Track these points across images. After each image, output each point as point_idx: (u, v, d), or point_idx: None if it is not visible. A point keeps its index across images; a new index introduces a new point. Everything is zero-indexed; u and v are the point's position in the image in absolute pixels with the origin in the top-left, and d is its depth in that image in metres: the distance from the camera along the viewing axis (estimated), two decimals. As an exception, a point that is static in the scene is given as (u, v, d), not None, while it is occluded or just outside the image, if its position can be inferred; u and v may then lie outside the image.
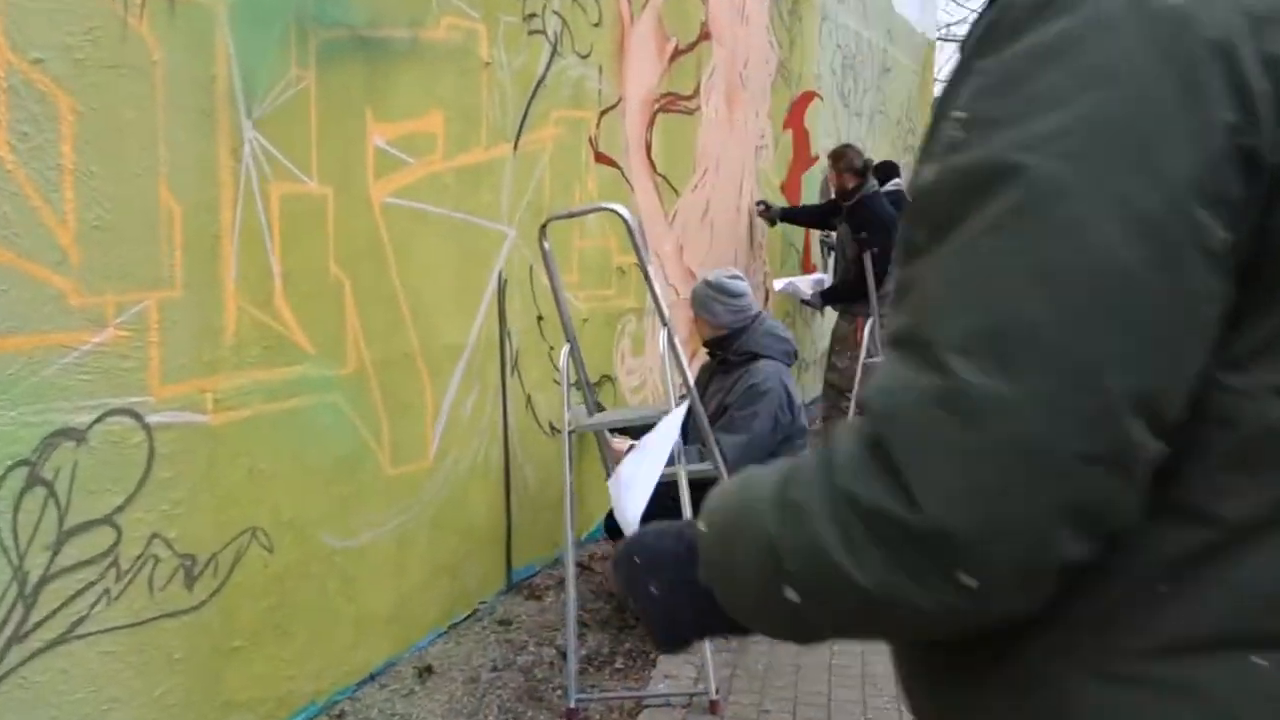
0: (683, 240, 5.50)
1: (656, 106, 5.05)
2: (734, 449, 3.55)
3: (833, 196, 6.35)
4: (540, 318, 4.14)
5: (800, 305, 6.68)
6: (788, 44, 7.03)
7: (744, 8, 6.14)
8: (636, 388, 5.10)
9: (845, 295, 6.11)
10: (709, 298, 3.91)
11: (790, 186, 7.26)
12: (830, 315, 6.57)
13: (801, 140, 7.45)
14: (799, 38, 7.25)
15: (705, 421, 3.39)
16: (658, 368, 5.07)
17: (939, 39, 18.88)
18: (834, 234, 6.51)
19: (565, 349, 3.48)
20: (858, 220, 5.98)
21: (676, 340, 3.33)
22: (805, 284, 6.31)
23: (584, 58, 4.36)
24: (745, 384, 3.70)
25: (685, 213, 5.51)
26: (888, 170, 7.29)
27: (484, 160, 3.73)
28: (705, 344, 4.03)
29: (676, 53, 5.23)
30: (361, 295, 3.16)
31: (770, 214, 6.51)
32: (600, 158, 4.54)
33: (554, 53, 4.13)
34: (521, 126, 3.95)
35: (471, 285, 3.72)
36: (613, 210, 3.27)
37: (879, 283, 5.89)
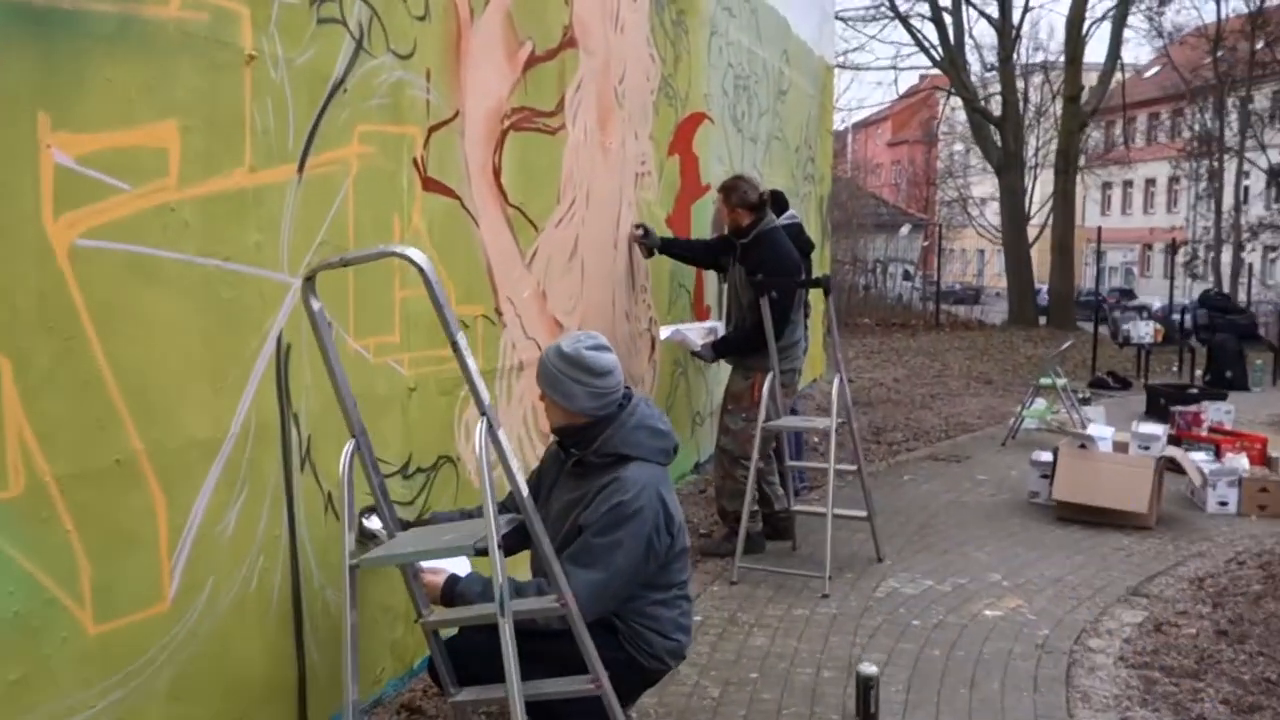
0: (546, 284, 4.59)
1: (507, 123, 4.15)
2: (587, 588, 2.62)
3: (724, 232, 5.53)
4: (343, 392, 3.18)
5: (690, 356, 5.81)
6: (672, 59, 6.21)
7: (617, 12, 5.30)
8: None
9: (740, 346, 5.28)
10: (561, 374, 2.85)
11: (678, 219, 6.43)
12: (725, 367, 5.72)
13: (690, 167, 6.63)
14: (685, 53, 6.45)
15: (547, 546, 2.47)
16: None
17: (837, 66, 18.47)
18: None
19: (349, 446, 2.52)
20: (754, 259, 5.16)
21: (504, 439, 2.39)
22: (695, 332, 5.46)
23: (404, 58, 3.43)
24: (608, 500, 2.73)
25: (548, 251, 4.61)
26: (777, 202, 6.54)
27: (249, 187, 2.76)
28: (555, 432, 3.01)
29: (533, 60, 4.34)
30: (32, 382, 2.17)
31: (648, 241, 5.65)
32: (431, 184, 3.62)
33: (358, 49, 3.19)
34: (310, 143, 2.99)
35: (232, 355, 2.74)
36: (403, 256, 2.35)
37: (780, 331, 5.07)
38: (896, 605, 4.58)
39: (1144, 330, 11.97)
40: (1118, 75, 20.66)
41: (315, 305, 2.44)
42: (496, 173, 4.10)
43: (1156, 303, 33.20)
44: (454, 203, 3.78)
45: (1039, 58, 30.39)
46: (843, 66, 23.92)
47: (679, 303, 6.57)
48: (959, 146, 43.14)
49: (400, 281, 3.46)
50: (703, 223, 6.75)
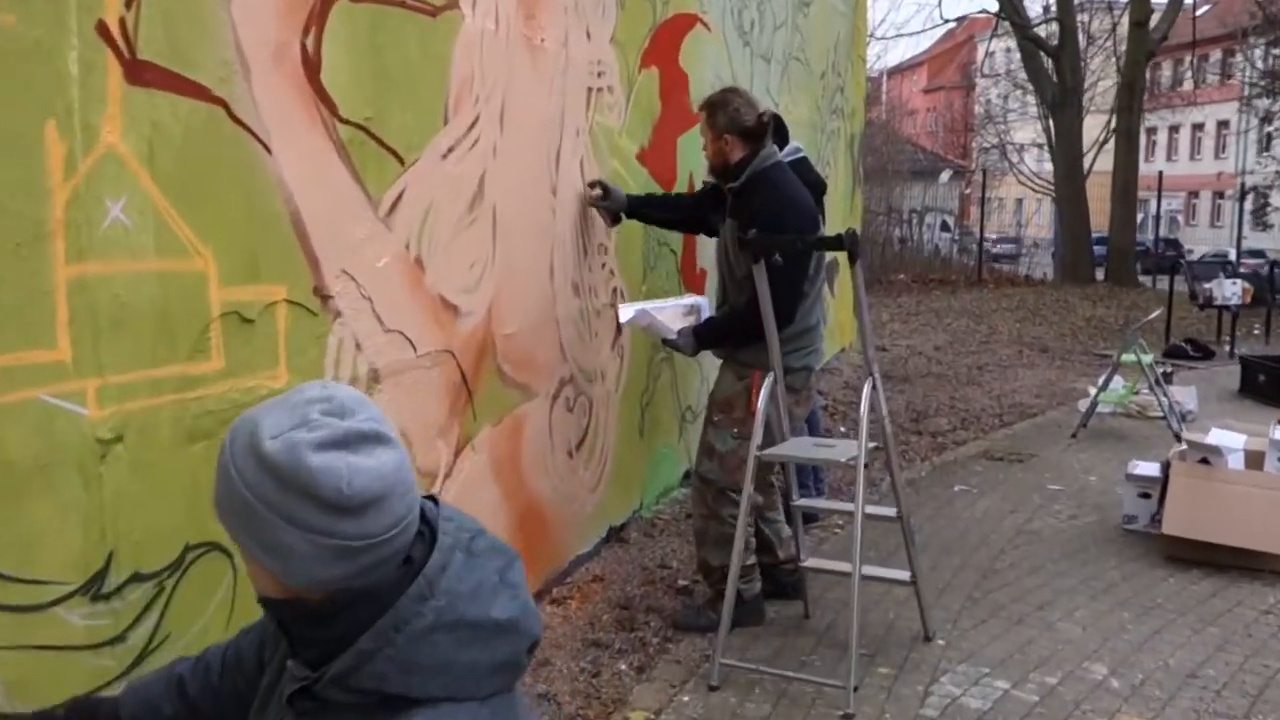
0: (423, 246, 3.03)
1: (332, -14, 2.57)
2: None
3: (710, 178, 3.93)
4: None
5: (662, 345, 4.21)
6: (646, -65, 4.57)
7: None
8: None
9: (732, 334, 3.69)
10: (258, 501, 1.13)
11: (656, 156, 4.81)
12: (712, 362, 4.13)
13: (675, 86, 5.00)
14: (666, -70, 4.81)
15: None
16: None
17: (869, -10, 16.54)
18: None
19: None
20: (750, 210, 3.56)
21: None
22: (669, 313, 3.85)
23: None
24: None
25: (427, 195, 3.03)
26: (776, 130, 4.91)
27: None
28: (266, 610, 1.31)
29: (386, -110, 2.74)
30: None
31: (610, 204, 4.06)
32: (145, 73, 2.05)
33: None
34: None
35: None
36: None
37: (786, 312, 3.48)
38: (956, 728, 3.04)
39: (1230, 290, 10.21)
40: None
41: None
42: (310, 63, 2.52)
43: (1197, 253, 30.93)
44: (208, 109, 2.21)
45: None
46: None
47: (660, 268, 4.97)
48: (996, 91, 40.88)
49: (74, 247, 1.91)
50: (693, 162, 5.12)
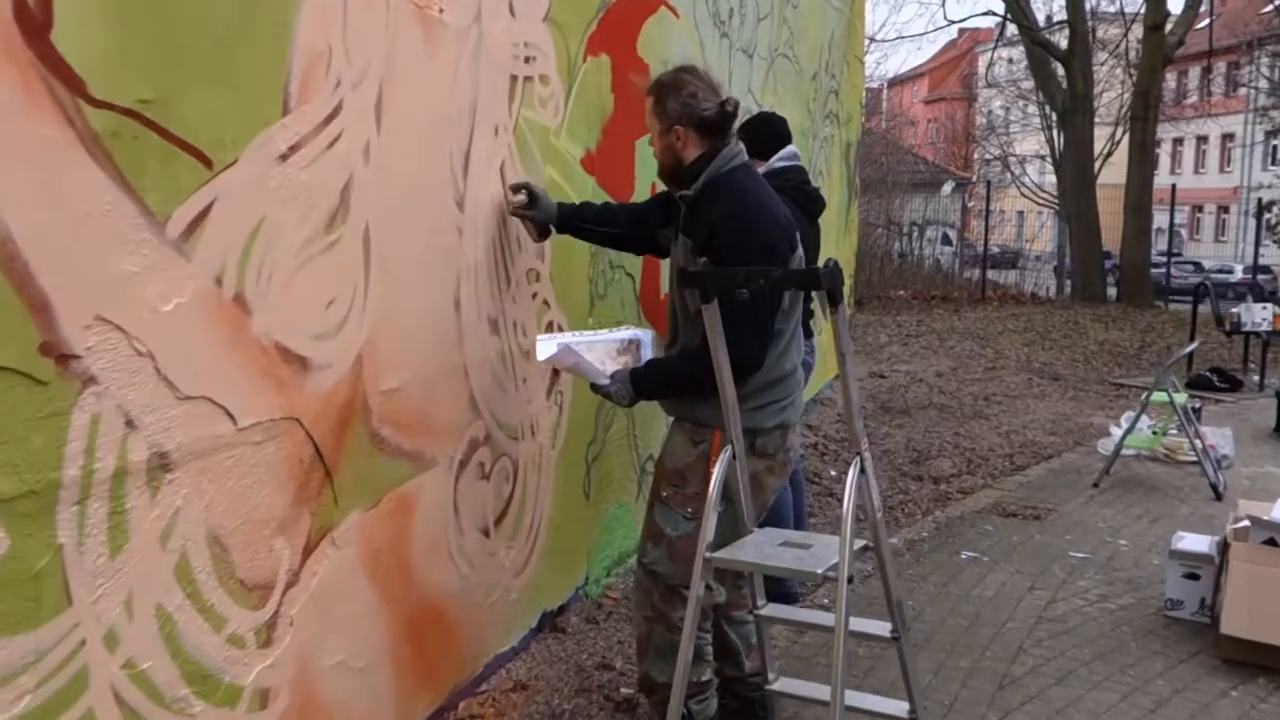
0: (247, 279, 2.21)
1: (67, -95, 1.76)
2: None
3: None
4: None
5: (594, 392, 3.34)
6: (594, -106, 3.77)
7: None
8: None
9: (682, 380, 2.86)
10: None
11: (607, 163, 4.01)
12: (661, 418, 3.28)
13: (632, 78, 4.19)
14: (622, -108, 4.01)
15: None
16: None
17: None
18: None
19: None
20: (704, 226, 2.74)
21: None
22: (602, 349, 3.00)
23: None
24: None
25: (254, 209, 2.22)
26: (770, 131, 4.14)
27: None
28: None
29: None
30: None
31: (537, 213, 3.24)
32: None
33: None
34: None
35: None
36: None
37: (747, 358, 2.65)
38: None
39: (1260, 315, 9.38)
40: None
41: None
42: (30, 18, 1.70)
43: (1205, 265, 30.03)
44: None
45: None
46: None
47: (612, 296, 4.16)
48: (999, 102, 40.19)
49: None
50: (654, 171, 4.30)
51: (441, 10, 2.86)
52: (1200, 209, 42.76)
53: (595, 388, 2.88)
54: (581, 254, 3.86)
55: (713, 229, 2.66)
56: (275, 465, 2.34)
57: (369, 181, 2.59)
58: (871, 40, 23.72)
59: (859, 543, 2.51)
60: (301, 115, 2.34)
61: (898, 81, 49.84)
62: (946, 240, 24.60)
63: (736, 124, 2.84)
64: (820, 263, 4.22)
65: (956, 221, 26.10)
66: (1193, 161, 44.19)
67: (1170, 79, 35.75)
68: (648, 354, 2.99)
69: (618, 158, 4.12)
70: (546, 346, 2.89)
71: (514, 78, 3.29)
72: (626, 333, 3.03)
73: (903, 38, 69.11)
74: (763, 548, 2.55)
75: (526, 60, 3.36)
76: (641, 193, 4.27)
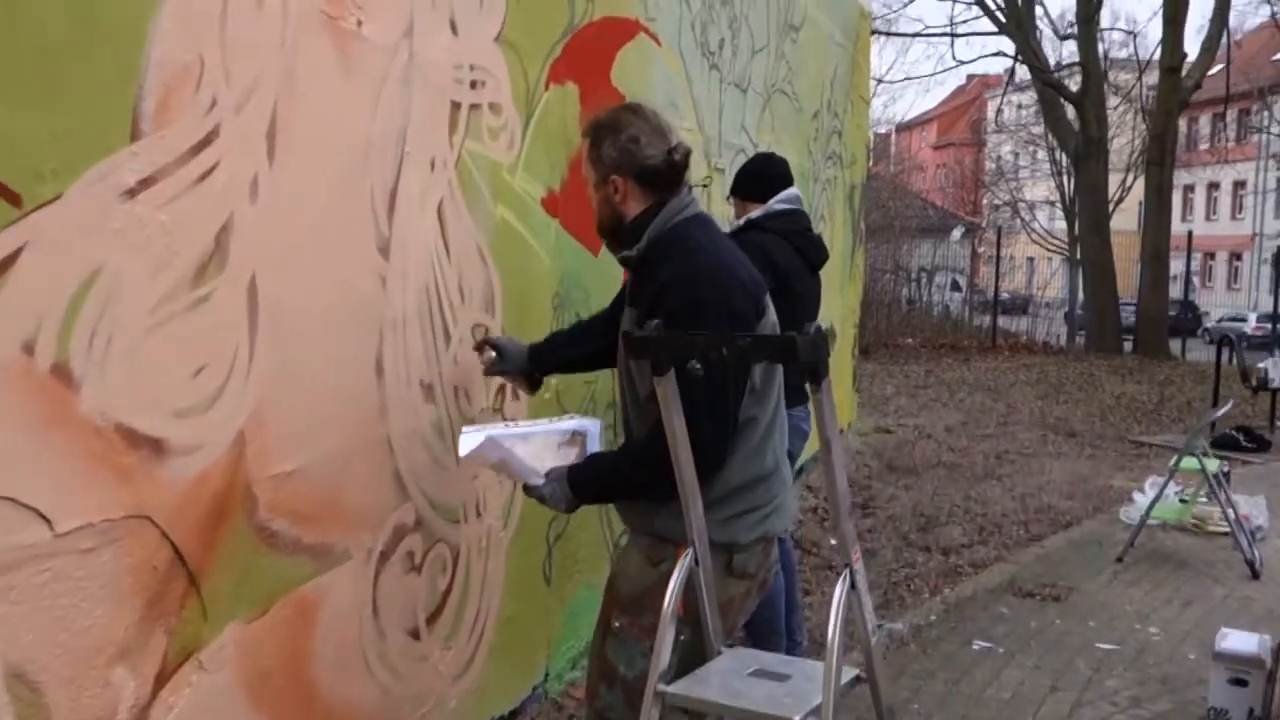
0: (73, 345, 1.75)
1: None
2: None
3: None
4: None
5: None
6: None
7: None
8: None
9: (624, 481, 2.37)
10: None
11: (575, 204, 3.55)
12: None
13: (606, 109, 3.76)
14: (595, -95, 3.60)
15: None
16: None
17: (881, 33, 15.51)
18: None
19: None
20: (649, 292, 2.27)
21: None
22: (540, 442, 2.49)
23: None
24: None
25: (84, 256, 1.77)
26: (769, 174, 3.73)
27: None
28: None
29: None
30: None
31: (506, 364, 2.76)
32: None
33: None
34: None
35: None
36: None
37: (711, 451, 2.17)
38: None
39: (1288, 370, 8.89)
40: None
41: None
42: None
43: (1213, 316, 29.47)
44: None
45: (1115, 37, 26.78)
46: (889, 34, 20.77)
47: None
48: (1008, 148, 40.02)
49: None
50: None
51: (360, 22, 2.43)
52: (1212, 256, 42.36)
53: (528, 489, 2.39)
54: (542, 304, 3.41)
55: (659, 292, 2.20)
56: (114, 576, 1.86)
57: (256, 222, 2.14)
58: (879, 82, 23.47)
59: (849, 673, 2.02)
60: (159, 142, 1.90)
61: (906, 126, 49.76)
62: (956, 286, 24.17)
63: (692, 175, 2.39)
64: (820, 320, 3.75)
65: (966, 267, 25.71)
66: (1204, 208, 43.85)
67: (1181, 124, 35.57)
68: (594, 446, 2.51)
69: (586, 199, 3.67)
70: (470, 440, 2.40)
71: (455, 104, 2.85)
72: (571, 423, 2.55)
73: (910, 79, 69.06)
74: (730, 680, 2.06)
75: (472, 85, 2.92)
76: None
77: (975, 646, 4.20)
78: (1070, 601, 4.81)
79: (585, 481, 2.32)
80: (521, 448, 2.39)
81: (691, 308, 2.14)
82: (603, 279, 3.59)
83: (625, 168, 2.30)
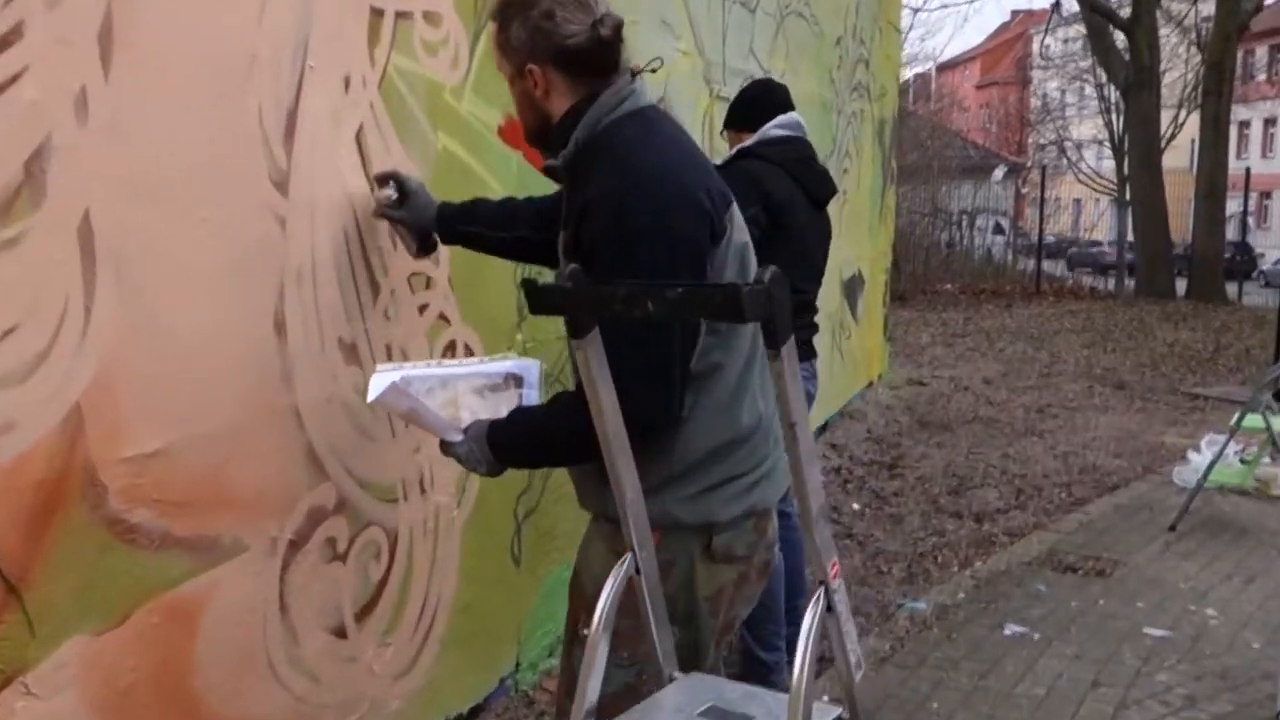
0: None
1: None
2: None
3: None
4: None
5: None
6: None
7: None
8: None
9: (556, 443, 1.90)
10: None
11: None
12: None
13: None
14: None
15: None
16: None
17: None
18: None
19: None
20: (574, 211, 1.81)
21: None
22: (461, 388, 2.02)
23: None
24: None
25: None
26: (768, 99, 3.27)
27: None
28: None
29: None
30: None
31: (406, 212, 2.32)
32: None
33: None
34: None
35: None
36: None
37: (645, 406, 1.72)
38: None
39: (1356, 315, 8.22)
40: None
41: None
42: None
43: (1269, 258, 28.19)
44: None
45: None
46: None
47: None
48: (1054, 84, 38.61)
49: None
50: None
51: (233, -99, 1.97)
52: (1268, 195, 40.81)
53: (444, 447, 1.96)
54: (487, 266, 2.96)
55: (581, 215, 1.75)
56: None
57: (88, 148, 1.71)
58: (915, 12, 22.48)
59: (829, 713, 1.59)
60: (-77, 37, 1.47)
61: (947, 65, 48.27)
62: (999, 229, 23.34)
63: (627, 54, 1.89)
64: (843, 264, 3.29)
65: (1009, 209, 24.82)
66: (1260, 145, 42.17)
67: (1238, 55, 34.00)
68: (533, 397, 2.05)
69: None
70: (380, 381, 1.96)
71: (377, 10, 2.39)
72: (506, 364, 2.08)
73: (947, 5, 66.50)
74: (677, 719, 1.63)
75: (401, -10, 2.46)
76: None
77: (1007, 631, 3.75)
78: (1116, 577, 4.33)
79: (509, 442, 1.87)
80: (440, 394, 1.94)
81: (618, 236, 1.68)
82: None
83: (541, 52, 1.81)
